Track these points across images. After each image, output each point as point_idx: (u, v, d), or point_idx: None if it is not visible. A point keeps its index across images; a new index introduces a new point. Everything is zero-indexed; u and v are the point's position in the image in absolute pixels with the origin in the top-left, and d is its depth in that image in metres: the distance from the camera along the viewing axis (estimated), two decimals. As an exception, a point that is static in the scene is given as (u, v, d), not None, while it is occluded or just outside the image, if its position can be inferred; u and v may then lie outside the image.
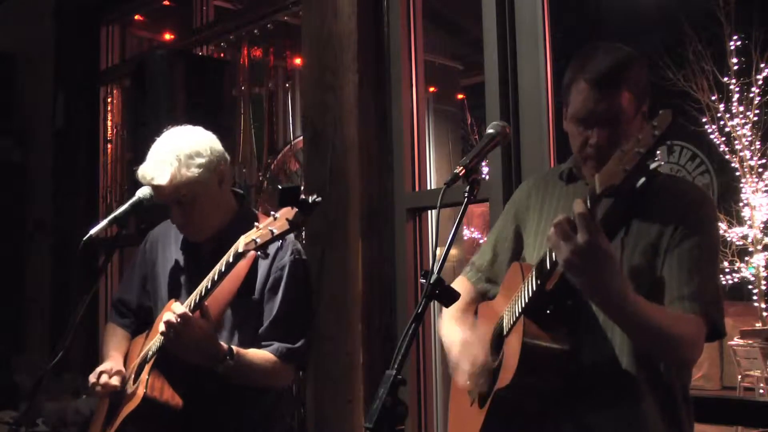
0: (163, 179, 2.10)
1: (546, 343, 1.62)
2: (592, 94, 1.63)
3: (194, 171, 2.12)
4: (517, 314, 1.66)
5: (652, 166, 1.39)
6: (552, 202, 1.86)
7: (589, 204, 1.44)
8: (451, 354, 1.84)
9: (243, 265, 2.09)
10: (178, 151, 2.12)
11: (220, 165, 2.19)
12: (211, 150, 2.17)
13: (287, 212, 1.82)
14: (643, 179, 1.40)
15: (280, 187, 1.78)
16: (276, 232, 1.84)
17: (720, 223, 8.63)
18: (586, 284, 1.49)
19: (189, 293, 2.20)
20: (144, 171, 2.14)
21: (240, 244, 1.91)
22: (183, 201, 2.13)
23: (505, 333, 1.72)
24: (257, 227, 1.88)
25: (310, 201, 1.77)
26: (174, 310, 1.99)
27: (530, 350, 1.60)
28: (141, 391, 2.05)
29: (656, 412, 1.66)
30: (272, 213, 1.86)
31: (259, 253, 1.90)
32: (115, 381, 2.20)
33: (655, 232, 1.65)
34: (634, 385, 1.65)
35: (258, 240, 1.86)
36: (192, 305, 2.03)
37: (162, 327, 1.99)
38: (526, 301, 1.64)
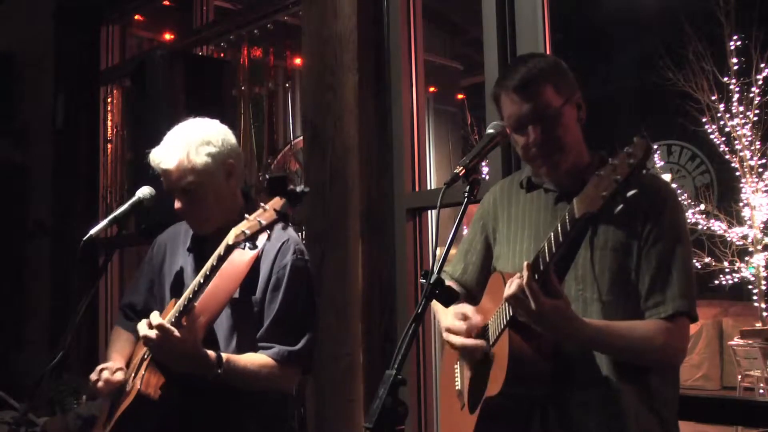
0: (171, 163, 2.13)
1: (532, 353, 1.69)
2: (517, 98, 1.75)
3: (203, 159, 2.13)
4: (502, 325, 1.71)
5: (629, 194, 1.43)
6: (518, 211, 1.92)
7: (568, 226, 1.55)
8: (445, 319, 1.89)
9: (244, 265, 2.08)
10: (190, 138, 2.15)
11: (230, 158, 2.19)
12: (222, 141, 2.19)
13: (275, 203, 1.84)
14: (621, 206, 1.45)
15: (268, 176, 1.78)
16: (264, 222, 1.84)
17: (720, 222, 8.67)
18: (548, 332, 1.66)
19: None
20: (154, 154, 2.17)
21: (230, 237, 1.92)
22: (188, 189, 2.14)
23: (491, 343, 1.77)
24: (247, 219, 1.89)
25: (297, 190, 1.79)
26: (151, 321, 1.98)
27: (517, 361, 1.67)
28: (136, 387, 2.05)
29: (640, 410, 1.71)
30: (261, 204, 1.87)
31: (248, 244, 1.91)
32: (119, 376, 2.20)
33: (624, 231, 1.71)
34: (618, 388, 1.71)
35: (247, 231, 1.87)
36: (182, 306, 2.01)
37: (146, 331, 1.99)
38: (512, 314, 1.68)
